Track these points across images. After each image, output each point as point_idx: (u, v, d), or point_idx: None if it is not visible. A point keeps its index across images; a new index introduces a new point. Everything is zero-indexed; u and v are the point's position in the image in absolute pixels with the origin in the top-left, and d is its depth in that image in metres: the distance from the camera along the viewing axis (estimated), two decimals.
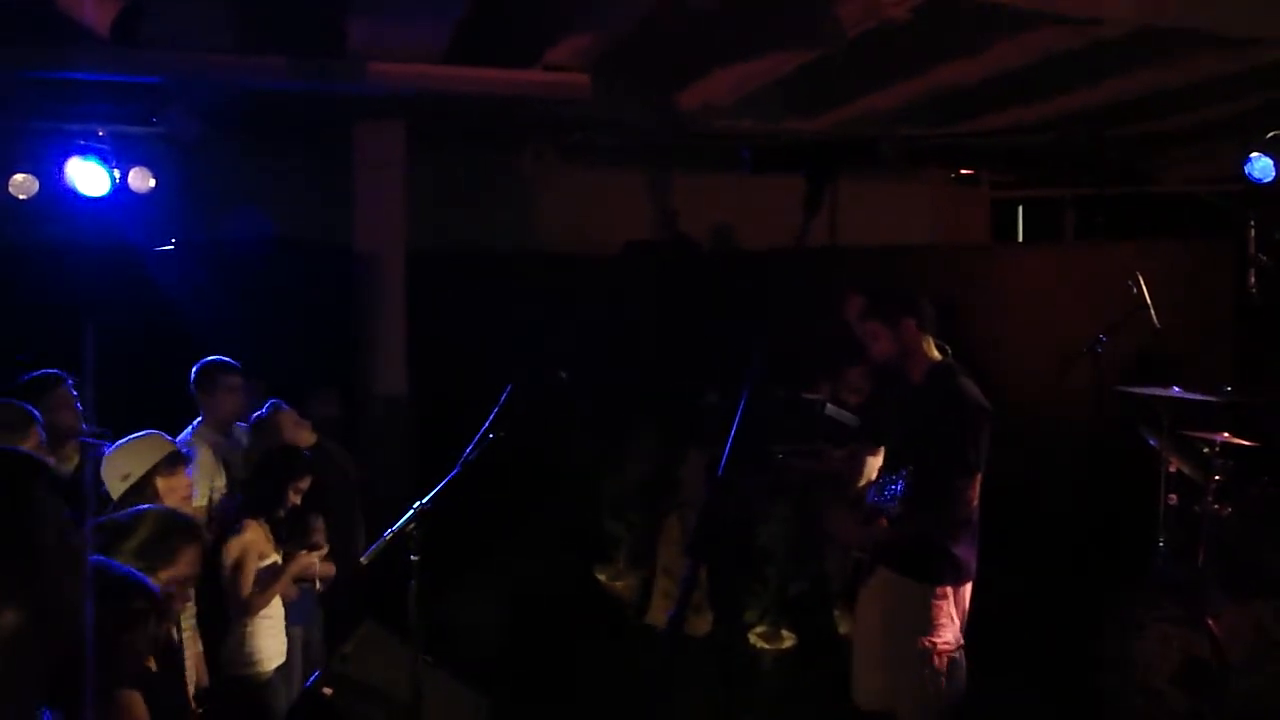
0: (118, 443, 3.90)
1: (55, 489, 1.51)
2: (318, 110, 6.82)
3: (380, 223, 7.10)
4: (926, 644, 4.15)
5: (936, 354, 4.30)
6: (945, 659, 4.17)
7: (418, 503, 3.67)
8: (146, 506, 3.22)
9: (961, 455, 4.10)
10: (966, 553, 4.22)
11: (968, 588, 4.27)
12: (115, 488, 3.71)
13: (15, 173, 6.36)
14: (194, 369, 5.08)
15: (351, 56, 5.57)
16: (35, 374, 4.79)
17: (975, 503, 4.20)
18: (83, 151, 6.38)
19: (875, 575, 4.38)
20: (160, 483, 3.76)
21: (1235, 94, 6.64)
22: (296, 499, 4.48)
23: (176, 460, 3.88)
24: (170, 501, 3.73)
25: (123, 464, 3.77)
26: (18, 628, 1.40)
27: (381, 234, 7.11)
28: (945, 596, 4.18)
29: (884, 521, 4.24)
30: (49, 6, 4.10)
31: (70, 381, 4.87)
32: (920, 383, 4.27)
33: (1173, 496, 5.55)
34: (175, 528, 3.03)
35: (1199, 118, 7.41)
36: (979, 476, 4.17)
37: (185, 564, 2.99)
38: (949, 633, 4.19)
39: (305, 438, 5.05)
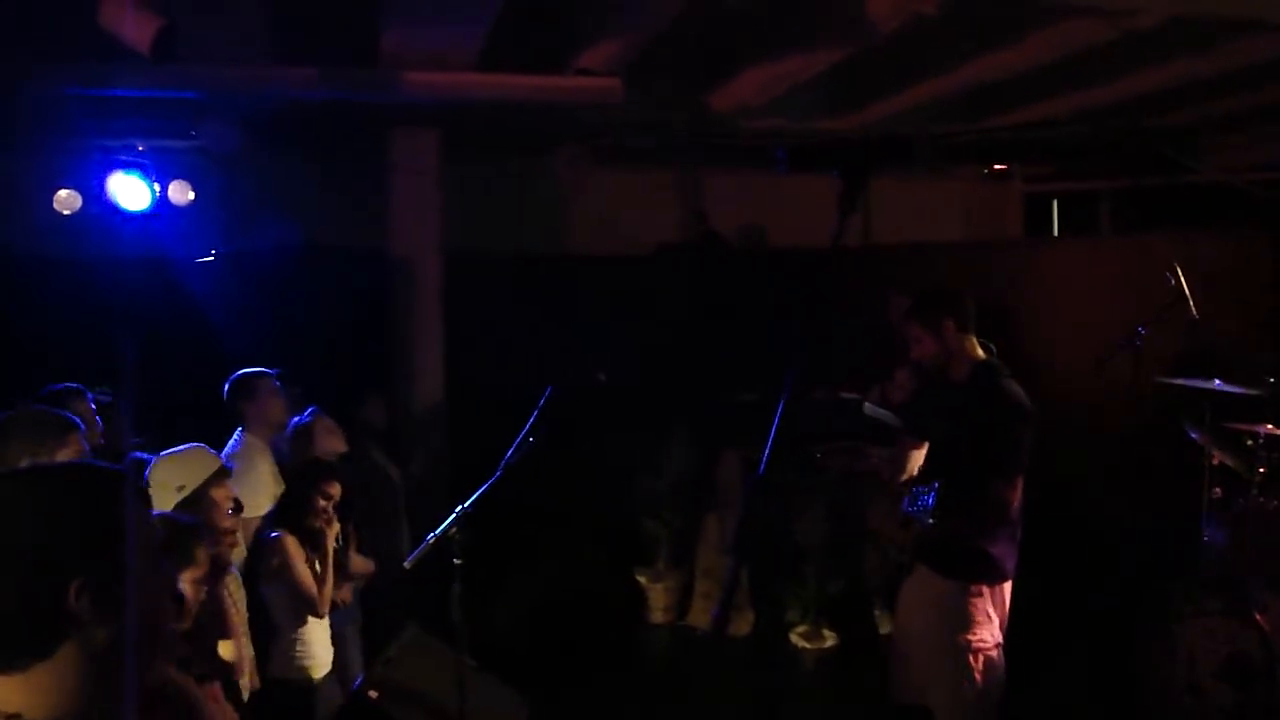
0: (162, 454, 3.94)
1: (142, 503, 1.54)
2: (353, 118, 6.88)
3: (416, 228, 7.15)
4: (963, 641, 4.14)
5: (980, 353, 4.28)
6: (981, 657, 4.16)
7: (460, 506, 3.70)
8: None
9: (1001, 458, 4.09)
10: (1004, 552, 4.20)
11: (1007, 587, 4.25)
12: (166, 499, 3.73)
13: (59, 189, 6.47)
14: (229, 383, 5.09)
15: (384, 65, 5.62)
16: (56, 387, 4.85)
17: (1016, 504, 4.18)
18: (124, 166, 6.47)
19: (915, 573, 4.39)
20: (214, 493, 3.82)
21: (1272, 81, 6.57)
22: (327, 506, 4.52)
23: (225, 473, 3.93)
24: (222, 511, 3.81)
25: (175, 476, 3.80)
26: (109, 643, 1.44)
27: (417, 239, 7.16)
28: (982, 594, 4.18)
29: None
30: (91, 26, 4.18)
31: (90, 396, 4.93)
32: (963, 382, 4.26)
33: (1217, 490, 5.49)
34: (184, 529, 3.09)
35: (1236, 106, 7.34)
36: (1019, 479, 4.16)
37: (202, 562, 3.06)
38: (986, 631, 4.18)
39: (337, 444, 5.10)
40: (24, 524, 1.43)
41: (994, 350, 4.33)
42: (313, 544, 4.41)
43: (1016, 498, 4.18)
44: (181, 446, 3.94)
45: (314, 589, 4.28)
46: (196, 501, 3.74)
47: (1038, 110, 7.25)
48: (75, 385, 4.91)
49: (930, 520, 4.00)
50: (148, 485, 3.81)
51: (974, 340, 4.29)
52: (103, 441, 4.80)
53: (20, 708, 1.41)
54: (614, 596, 7.25)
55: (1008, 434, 4.09)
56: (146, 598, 1.49)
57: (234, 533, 4.03)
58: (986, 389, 4.16)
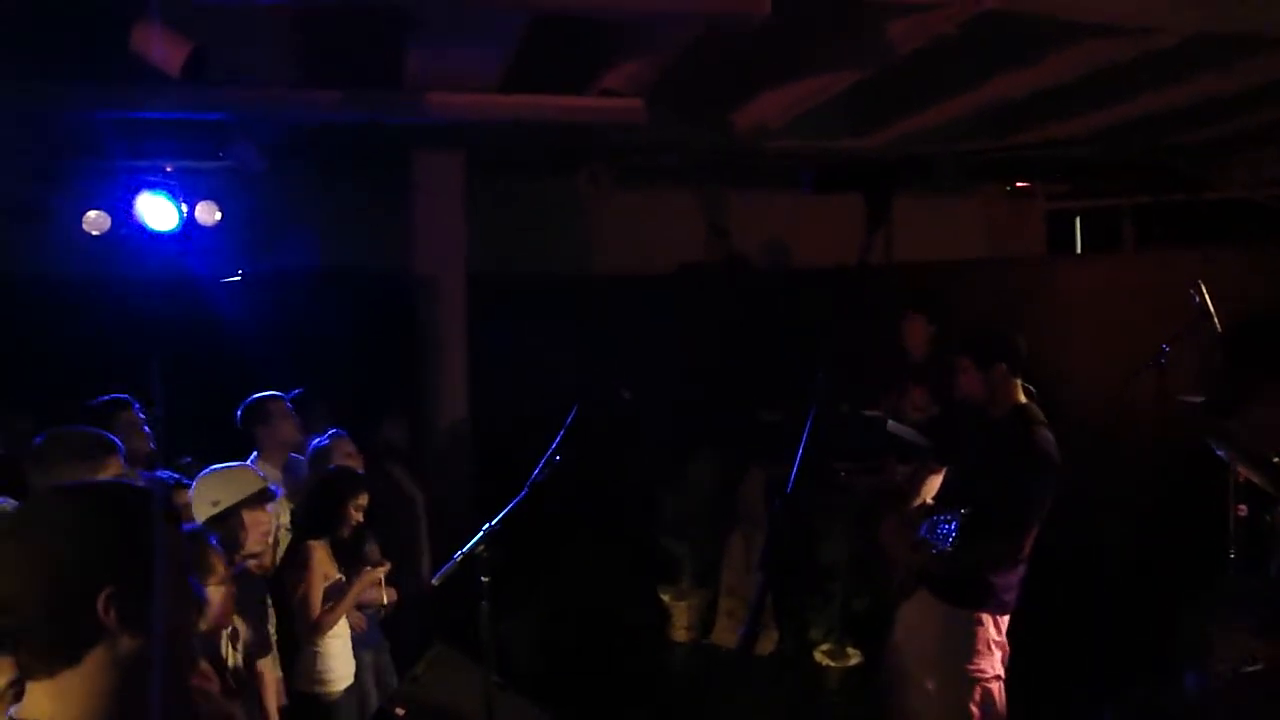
0: (207, 470, 3.98)
1: (173, 521, 1.59)
2: (378, 140, 6.95)
3: (440, 249, 7.20)
4: (962, 670, 4.14)
5: (1021, 397, 4.29)
6: (979, 689, 4.15)
7: (487, 524, 3.72)
8: None
9: (1021, 510, 4.11)
10: (1009, 584, 4.19)
11: (1006, 620, 4.24)
12: (201, 512, 3.79)
13: (88, 209, 6.55)
14: (242, 409, 5.14)
15: (409, 87, 5.68)
16: (102, 399, 4.90)
17: (1028, 548, 4.19)
18: (152, 187, 6.55)
19: (917, 596, 4.38)
20: (246, 515, 3.84)
21: None
22: (359, 516, 4.54)
23: (265, 497, 3.96)
24: (253, 536, 3.83)
25: (214, 491, 3.84)
26: (136, 653, 1.48)
27: (442, 260, 7.21)
28: (983, 623, 4.16)
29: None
30: (123, 50, 4.23)
31: (137, 406, 4.98)
32: (999, 422, 4.26)
33: (1242, 507, 5.45)
34: (194, 538, 3.12)
35: (1259, 121, 7.31)
36: (1035, 529, 4.17)
37: (220, 573, 3.09)
38: (986, 661, 4.16)
39: (355, 467, 5.13)
40: (58, 536, 1.49)
41: (1034, 393, 4.33)
42: (344, 556, 4.44)
43: (1029, 543, 4.19)
44: (229, 464, 3.99)
45: (315, 613, 4.30)
46: (227, 519, 3.78)
47: (1060, 128, 7.24)
48: (123, 396, 4.94)
49: (949, 548, 4.01)
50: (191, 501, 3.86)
51: (1019, 383, 4.29)
52: (153, 447, 4.85)
53: (50, 714, 1.46)
54: (638, 614, 7.25)
55: (1032, 487, 4.10)
56: (175, 612, 1.54)
57: (258, 556, 4.05)
58: (1020, 437, 4.16)
